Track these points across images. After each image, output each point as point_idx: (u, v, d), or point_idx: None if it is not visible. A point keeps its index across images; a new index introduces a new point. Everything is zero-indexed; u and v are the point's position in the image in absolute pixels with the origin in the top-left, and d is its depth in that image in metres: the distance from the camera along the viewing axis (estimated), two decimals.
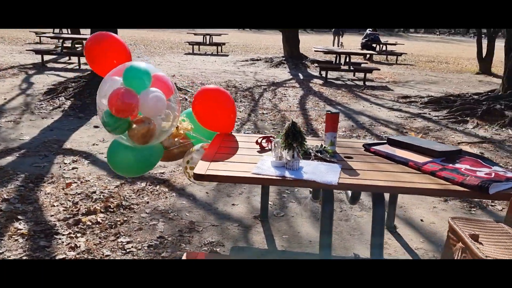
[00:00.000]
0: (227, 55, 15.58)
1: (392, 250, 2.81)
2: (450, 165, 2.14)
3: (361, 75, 11.74)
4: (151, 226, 2.97)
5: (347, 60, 10.99)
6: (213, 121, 2.60)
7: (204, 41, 16.79)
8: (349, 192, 2.93)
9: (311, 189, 3.08)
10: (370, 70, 9.99)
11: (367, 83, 10.19)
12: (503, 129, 6.05)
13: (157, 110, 2.12)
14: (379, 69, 10.35)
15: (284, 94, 8.32)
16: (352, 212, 3.33)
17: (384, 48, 16.78)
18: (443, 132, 5.92)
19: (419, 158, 2.23)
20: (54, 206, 3.18)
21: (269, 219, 3.16)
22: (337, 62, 11.13)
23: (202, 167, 2.03)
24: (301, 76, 10.93)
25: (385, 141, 2.53)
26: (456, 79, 12.01)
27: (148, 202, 3.33)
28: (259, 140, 2.42)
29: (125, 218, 3.06)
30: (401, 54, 15.58)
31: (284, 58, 13.46)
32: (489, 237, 1.60)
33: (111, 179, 3.73)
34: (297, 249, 2.77)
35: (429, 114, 6.98)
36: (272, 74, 11.03)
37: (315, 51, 10.98)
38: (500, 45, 11.17)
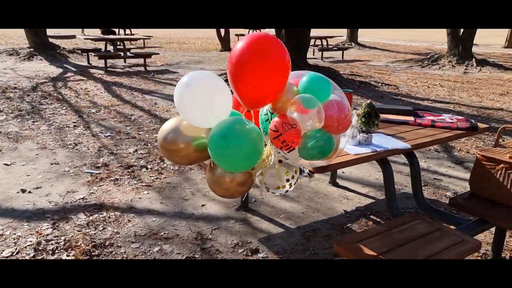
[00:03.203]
0: None
1: (357, 201, 3.43)
2: (427, 117, 2.89)
3: (132, 60, 11.59)
4: (160, 252, 2.59)
5: (118, 46, 10.57)
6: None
7: None
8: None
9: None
10: (149, 55, 10.00)
11: (140, 68, 10.19)
12: None
13: None
14: (158, 53, 10.47)
15: (84, 89, 7.48)
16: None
17: (127, 32, 16.65)
18: None
19: (405, 118, 2.89)
20: None
21: (250, 207, 3.23)
22: (107, 49, 10.55)
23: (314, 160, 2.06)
24: (73, 68, 9.85)
25: None
26: (212, 57, 13.38)
27: (118, 233, 2.80)
28: None
29: (123, 256, 2.53)
30: (149, 37, 15.88)
31: (32, 49, 11.62)
32: None
33: (28, 223, 2.86)
34: (305, 222, 3.03)
35: None
36: (37, 69, 9.49)
37: (85, 39, 10.04)
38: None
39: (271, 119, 1.83)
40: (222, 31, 15.28)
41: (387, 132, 2.60)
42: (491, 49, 20.36)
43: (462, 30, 12.36)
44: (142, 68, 10.23)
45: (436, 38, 28.36)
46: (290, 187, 2.33)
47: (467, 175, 3.98)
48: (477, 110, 6.81)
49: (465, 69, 11.55)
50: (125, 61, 11.36)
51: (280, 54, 1.76)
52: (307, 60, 9.18)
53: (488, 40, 27.40)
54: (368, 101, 2.30)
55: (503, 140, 4.87)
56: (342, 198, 3.44)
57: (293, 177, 2.28)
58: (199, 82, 1.92)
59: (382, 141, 2.39)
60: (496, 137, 2.60)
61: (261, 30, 21.44)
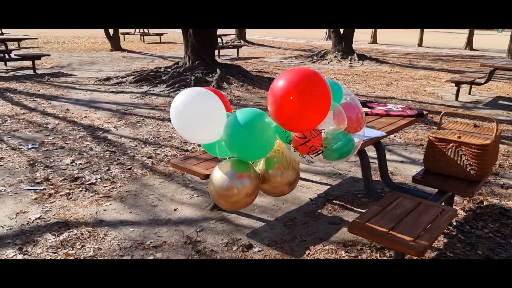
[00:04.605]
0: None
1: (315, 189, 3.70)
2: (378, 108, 3.26)
3: (13, 63, 10.42)
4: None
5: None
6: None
7: None
8: None
9: None
10: (38, 57, 9.09)
11: (28, 72, 9.27)
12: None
13: None
14: (49, 55, 9.53)
15: None
16: None
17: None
18: None
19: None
20: None
21: None
22: None
23: None
24: None
25: None
26: (105, 57, 12.64)
27: (100, 248, 2.63)
28: None
29: None
30: (26, 37, 14.30)
31: None
32: (462, 135, 2.89)
33: None
34: (280, 213, 3.18)
35: (154, 90, 7.59)
36: None
37: None
38: None
39: None
40: (111, 30, 14.49)
41: None
42: (360, 45, 22.73)
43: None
44: (30, 72, 9.25)
45: (312, 35, 30.65)
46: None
47: (392, 157, 4.54)
48: (375, 99, 7.68)
49: (350, 63, 12.80)
50: (5, 64, 10.14)
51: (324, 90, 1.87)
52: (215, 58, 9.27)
53: (355, 36, 30.53)
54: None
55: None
56: (302, 187, 3.67)
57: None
58: (195, 101, 2.03)
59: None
60: (439, 121, 3.06)
61: (147, 29, 20.85)
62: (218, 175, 2.18)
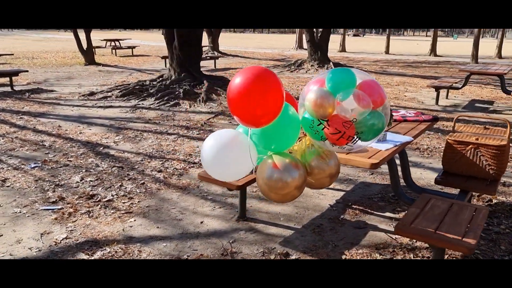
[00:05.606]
0: None
1: (331, 195, 3.78)
2: (393, 114, 3.38)
3: None
4: None
5: None
6: None
7: None
8: None
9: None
10: (16, 73, 8.81)
11: (5, 89, 8.97)
12: (207, 103, 7.59)
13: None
14: (27, 71, 9.24)
15: None
16: None
17: None
18: (182, 115, 6.77)
19: None
20: None
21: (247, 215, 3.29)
22: None
23: (365, 158, 2.31)
24: None
25: None
26: (81, 72, 12.37)
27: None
28: None
29: None
30: (4, 54, 13.84)
31: None
32: (479, 137, 3.05)
33: None
34: (305, 220, 3.23)
35: (143, 104, 7.49)
36: None
37: None
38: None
39: (328, 125, 1.99)
40: (84, 44, 14.20)
41: None
42: (330, 53, 23.22)
43: (318, 36, 13.95)
44: (7, 88, 8.95)
45: (282, 45, 31.09)
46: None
47: None
48: None
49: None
50: None
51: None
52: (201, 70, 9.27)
53: None
54: None
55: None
56: (318, 194, 3.74)
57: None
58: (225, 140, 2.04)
59: (389, 136, 2.76)
60: (453, 125, 3.22)
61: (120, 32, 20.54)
62: (267, 167, 2.15)
